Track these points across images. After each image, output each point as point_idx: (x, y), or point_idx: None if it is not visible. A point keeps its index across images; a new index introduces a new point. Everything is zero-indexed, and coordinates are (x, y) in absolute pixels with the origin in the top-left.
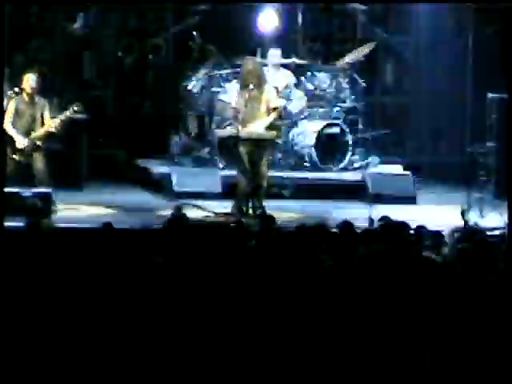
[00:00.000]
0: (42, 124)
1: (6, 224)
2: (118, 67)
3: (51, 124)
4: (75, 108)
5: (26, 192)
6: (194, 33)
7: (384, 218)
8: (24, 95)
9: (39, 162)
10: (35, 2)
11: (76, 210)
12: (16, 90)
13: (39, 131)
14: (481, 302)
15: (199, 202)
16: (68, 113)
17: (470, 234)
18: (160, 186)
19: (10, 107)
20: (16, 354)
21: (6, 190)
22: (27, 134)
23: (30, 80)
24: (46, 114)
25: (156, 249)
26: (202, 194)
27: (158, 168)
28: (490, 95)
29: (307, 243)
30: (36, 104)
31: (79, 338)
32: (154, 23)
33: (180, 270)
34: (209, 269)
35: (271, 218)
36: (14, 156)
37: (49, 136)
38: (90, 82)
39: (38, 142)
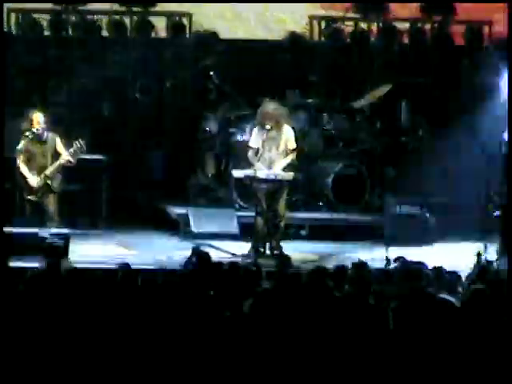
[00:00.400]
0: (57, 159)
1: (26, 265)
2: (135, 108)
3: (64, 157)
4: (78, 144)
5: (45, 232)
6: (212, 73)
7: (399, 259)
8: (33, 135)
9: (51, 202)
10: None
11: (94, 251)
12: (34, 130)
13: (51, 167)
14: (496, 343)
15: (216, 243)
16: (73, 148)
17: (483, 274)
18: (177, 226)
19: (21, 147)
20: None
21: (25, 230)
22: (40, 172)
23: (37, 119)
24: (59, 148)
25: (181, 289)
26: (219, 235)
27: (175, 209)
28: (504, 135)
29: (323, 284)
30: (46, 142)
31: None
32: (171, 64)
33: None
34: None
35: (288, 259)
36: (29, 197)
37: (63, 175)
38: (108, 123)
39: (50, 181)
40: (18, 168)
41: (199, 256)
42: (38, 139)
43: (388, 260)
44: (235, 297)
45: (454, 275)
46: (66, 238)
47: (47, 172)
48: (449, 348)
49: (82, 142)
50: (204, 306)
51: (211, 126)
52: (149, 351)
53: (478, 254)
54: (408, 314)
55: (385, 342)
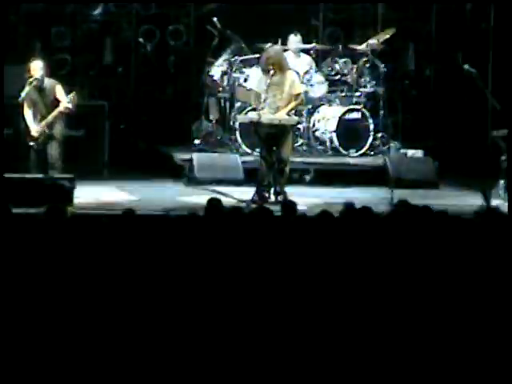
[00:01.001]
0: (57, 107)
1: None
2: (138, 53)
3: (63, 105)
4: (72, 97)
5: (49, 178)
6: (215, 18)
7: (402, 202)
8: (34, 82)
9: (53, 148)
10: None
11: (97, 197)
12: (37, 77)
13: (52, 115)
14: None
15: (221, 188)
16: (70, 96)
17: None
18: (181, 172)
19: (24, 95)
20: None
21: (28, 176)
22: (42, 119)
23: (36, 67)
24: (59, 95)
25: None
26: (223, 180)
27: (179, 154)
28: None
29: (331, 228)
30: (45, 89)
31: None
32: (175, 9)
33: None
34: (234, 256)
35: (293, 204)
36: (31, 143)
37: (65, 122)
38: (110, 69)
39: (51, 129)
40: (23, 114)
41: (210, 202)
42: (37, 86)
43: (392, 203)
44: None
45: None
46: (70, 183)
47: (48, 119)
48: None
49: (73, 97)
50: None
51: (214, 71)
52: (152, 299)
53: (484, 194)
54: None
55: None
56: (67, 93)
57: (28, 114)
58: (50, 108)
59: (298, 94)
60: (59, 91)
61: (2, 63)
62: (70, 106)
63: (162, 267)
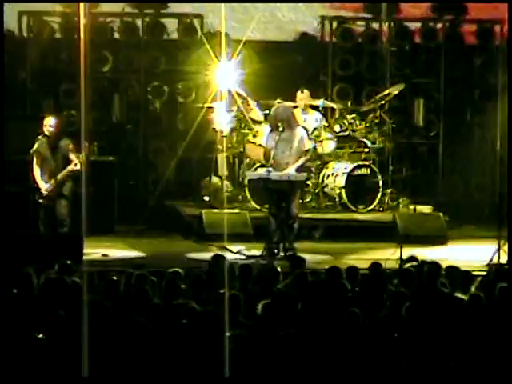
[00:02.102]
0: (67, 165)
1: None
2: (147, 110)
3: (73, 164)
4: (82, 158)
5: (57, 236)
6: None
7: (412, 258)
8: (45, 139)
9: (63, 206)
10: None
11: (107, 253)
12: (46, 134)
13: (61, 173)
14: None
15: (230, 245)
16: (82, 157)
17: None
18: (191, 228)
19: (34, 152)
20: None
21: (38, 233)
22: (52, 177)
23: (47, 123)
24: (71, 156)
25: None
26: (232, 236)
27: (188, 211)
28: None
29: (338, 285)
30: (58, 147)
31: None
32: (184, 65)
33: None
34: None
35: (301, 260)
36: (40, 201)
37: (73, 177)
38: (119, 125)
39: (61, 187)
40: (32, 170)
41: (215, 257)
42: (50, 143)
43: (402, 260)
44: (252, 298)
45: (468, 275)
46: (79, 241)
47: (57, 177)
48: (461, 346)
49: (89, 150)
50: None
51: (224, 128)
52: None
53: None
54: (422, 314)
55: (399, 342)
56: (77, 151)
57: (37, 169)
58: (60, 166)
59: (307, 151)
60: (72, 150)
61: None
62: (78, 167)
63: (168, 322)
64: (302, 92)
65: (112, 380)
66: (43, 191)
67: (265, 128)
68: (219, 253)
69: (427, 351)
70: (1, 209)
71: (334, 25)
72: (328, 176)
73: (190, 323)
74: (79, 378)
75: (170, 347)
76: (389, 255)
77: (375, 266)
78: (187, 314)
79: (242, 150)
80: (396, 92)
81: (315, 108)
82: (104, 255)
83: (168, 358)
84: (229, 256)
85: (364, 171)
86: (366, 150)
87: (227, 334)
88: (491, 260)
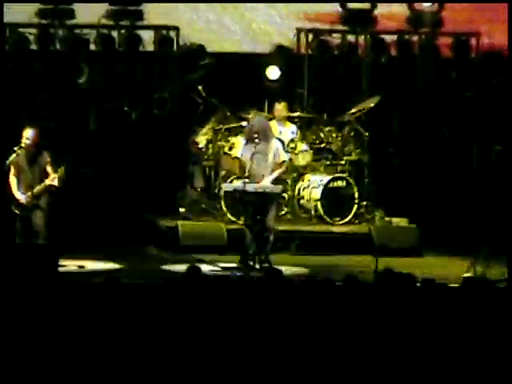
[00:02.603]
0: (45, 177)
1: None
2: (123, 121)
3: (50, 179)
4: (60, 172)
5: (33, 247)
6: (200, 87)
7: (388, 271)
8: (22, 151)
9: (39, 218)
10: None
11: (82, 265)
12: (22, 145)
13: (38, 187)
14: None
15: (205, 257)
16: (57, 174)
17: (478, 285)
18: (166, 240)
19: (11, 162)
20: None
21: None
22: (29, 188)
23: (25, 135)
24: (48, 169)
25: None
26: (208, 248)
27: (164, 222)
28: (496, 148)
29: (314, 297)
30: (37, 159)
31: None
32: (159, 77)
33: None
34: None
35: (277, 272)
36: (16, 210)
37: (48, 192)
38: (95, 136)
39: (37, 199)
40: (8, 181)
41: (189, 269)
42: (27, 155)
43: (377, 272)
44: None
45: (444, 288)
46: (55, 253)
47: (34, 191)
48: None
49: (61, 172)
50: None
51: (199, 140)
52: (134, 365)
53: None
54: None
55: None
56: (54, 164)
57: (13, 180)
58: (37, 178)
59: (282, 162)
60: (49, 163)
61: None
62: (56, 183)
63: (142, 333)
64: (280, 103)
65: None
66: (20, 202)
67: (240, 140)
68: (195, 265)
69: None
70: None
71: (310, 37)
72: (304, 188)
73: None
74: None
75: None
76: (364, 267)
77: (350, 278)
78: None
79: (217, 161)
80: (372, 104)
81: (291, 120)
82: (80, 267)
83: None
84: (204, 268)
85: (340, 183)
86: (342, 162)
87: None
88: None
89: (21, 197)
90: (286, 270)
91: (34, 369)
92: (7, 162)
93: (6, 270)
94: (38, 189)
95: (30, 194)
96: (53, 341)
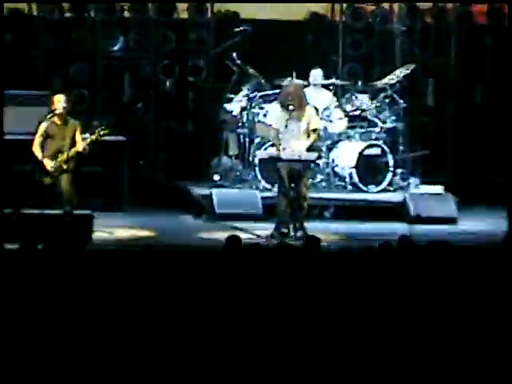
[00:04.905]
0: (74, 145)
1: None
2: (158, 89)
3: (80, 145)
4: (101, 132)
5: (67, 215)
6: (234, 54)
7: (404, 237)
8: (55, 117)
9: (66, 183)
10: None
11: (117, 233)
12: (56, 112)
13: (67, 153)
14: None
15: (240, 224)
16: (94, 136)
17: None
18: (201, 208)
19: (40, 129)
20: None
21: (47, 212)
22: (56, 155)
23: (59, 101)
24: (77, 135)
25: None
26: (243, 216)
27: (198, 190)
28: None
29: (353, 264)
30: (67, 125)
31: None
32: (194, 44)
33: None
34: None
35: (317, 240)
36: (44, 179)
37: (78, 157)
38: (130, 104)
39: (66, 165)
40: (33, 150)
41: (229, 239)
42: (59, 120)
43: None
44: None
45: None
46: (89, 219)
47: (63, 156)
48: None
49: (102, 131)
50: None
51: (234, 107)
52: (172, 334)
53: None
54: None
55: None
56: (87, 129)
57: (39, 147)
58: (67, 145)
59: (316, 130)
60: (78, 130)
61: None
62: (85, 150)
63: (180, 303)
64: (316, 69)
65: None
66: (49, 168)
67: (275, 107)
68: (234, 233)
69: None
70: (4, 189)
71: (345, 4)
72: (338, 156)
73: None
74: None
75: None
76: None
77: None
78: None
79: (252, 128)
80: (407, 72)
81: (326, 87)
82: (112, 234)
83: None
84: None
85: (375, 151)
86: (377, 129)
87: None
88: None
89: (50, 163)
90: (321, 237)
91: (70, 336)
92: (39, 129)
93: (40, 238)
94: (67, 155)
95: (60, 159)
96: (87, 312)
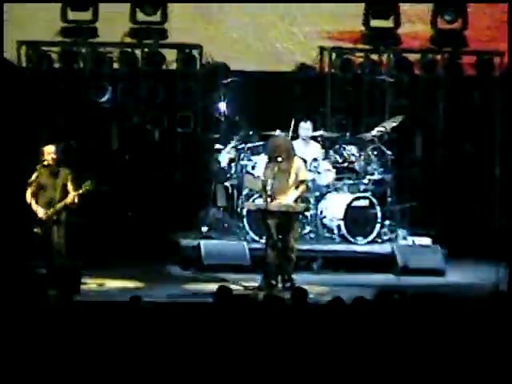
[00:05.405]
0: (66, 195)
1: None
2: (146, 140)
3: (70, 196)
4: (87, 187)
5: (56, 266)
6: (223, 105)
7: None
8: (45, 168)
9: (59, 235)
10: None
11: (104, 284)
12: (45, 163)
13: (60, 204)
14: None
15: (228, 276)
16: (80, 191)
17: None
18: (189, 259)
19: (32, 179)
20: None
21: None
22: (49, 205)
23: (49, 152)
24: (69, 185)
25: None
26: (230, 267)
27: (186, 241)
28: None
29: (343, 316)
30: (58, 175)
31: None
32: (182, 95)
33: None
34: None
35: (303, 291)
36: (36, 229)
37: (68, 209)
38: (118, 155)
39: (58, 215)
40: (26, 200)
41: (220, 289)
42: (50, 171)
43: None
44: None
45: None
46: (77, 272)
47: (56, 207)
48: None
49: (89, 186)
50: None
51: (222, 158)
52: None
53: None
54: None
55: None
56: (76, 181)
57: (31, 199)
58: (59, 194)
59: (304, 181)
60: (70, 180)
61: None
62: (76, 200)
63: (168, 355)
64: (306, 122)
65: None
66: (42, 218)
67: (263, 159)
68: (225, 284)
69: None
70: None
71: (333, 56)
72: (327, 207)
73: None
74: None
75: None
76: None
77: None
78: None
79: (240, 180)
80: (395, 124)
81: (314, 139)
82: (100, 285)
83: None
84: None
85: (363, 203)
86: (365, 181)
87: None
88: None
89: (41, 212)
90: (309, 289)
91: None
92: (29, 181)
93: (27, 291)
94: (59, 206)
95: (52, 210)
96: (75, 362)
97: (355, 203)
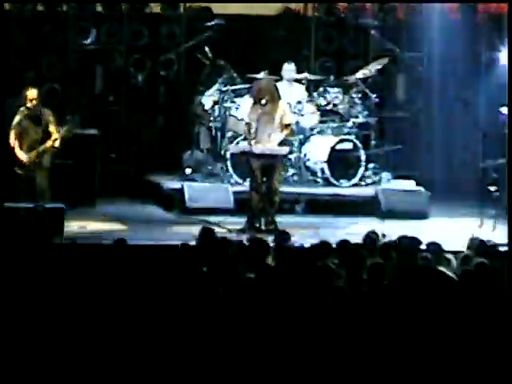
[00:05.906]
0: (48, 138)
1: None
2: (129, 83)
3: (52, 139)
4: (65, 132)
5: (39, 207)
6: (206, 48)
7: (384, 235)
8: (27, 110)
9: (42, 177)
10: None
11: (88, 226)
12: (28, 106)
13: (41, 147)
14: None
15: (211, 218)
16: (59, 134)
17: (485, 249)
18: (172, 201)
19: (15, 122)
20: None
21: (19, 205)
22: (32, 148)
23: (31, 96)
24: (51, 128)
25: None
26: (214, 210)
27: (170, 183)
28: (502, 111)
29: (321, 258)
30: (40, 119)
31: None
32: (166, 39)
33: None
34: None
35: (286, 234)
36: (18, 171)
37: (51, 151)
38: (101, 97)
39: (41, 158)
40: (9, 143)
41: (203, 231)
42: (32, 115)
43: (384, 235)
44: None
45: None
46: (60, 212)
47: (38, 150)
48: (446, 321)
49: (69, 130)
50: (203, 282)
51: (205, 101)
52: (143, 330)
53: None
54: (404, 288)
55: (382, 317)
56: (59, 123)
57: (14, 142)
58: (41, 137)
59: (288, 125)
60: (52, 122)
61: (3, 95)
62: (57, 143)
63: (152, 298)
64: (289, 64)
65: None
66: (23, 161)
67: (247, 101)
68: (208, 226)
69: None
70: None
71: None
72: (310, 150)
73: None
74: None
75: None
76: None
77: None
78: None
79: (223, 123)
80: (379, 66)
81: (298, 81)
82: (82, 227)
83: None
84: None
85: (347, 145)
86: (349, 124)
87: None
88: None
89: (23, 156)
90: (292, 232)
91: (38, 334)
92: (12, 124)
93: (13, 232)
94: (40, 148)
95: (34, 153)
96: (60, 305)
97: (339, 146)
